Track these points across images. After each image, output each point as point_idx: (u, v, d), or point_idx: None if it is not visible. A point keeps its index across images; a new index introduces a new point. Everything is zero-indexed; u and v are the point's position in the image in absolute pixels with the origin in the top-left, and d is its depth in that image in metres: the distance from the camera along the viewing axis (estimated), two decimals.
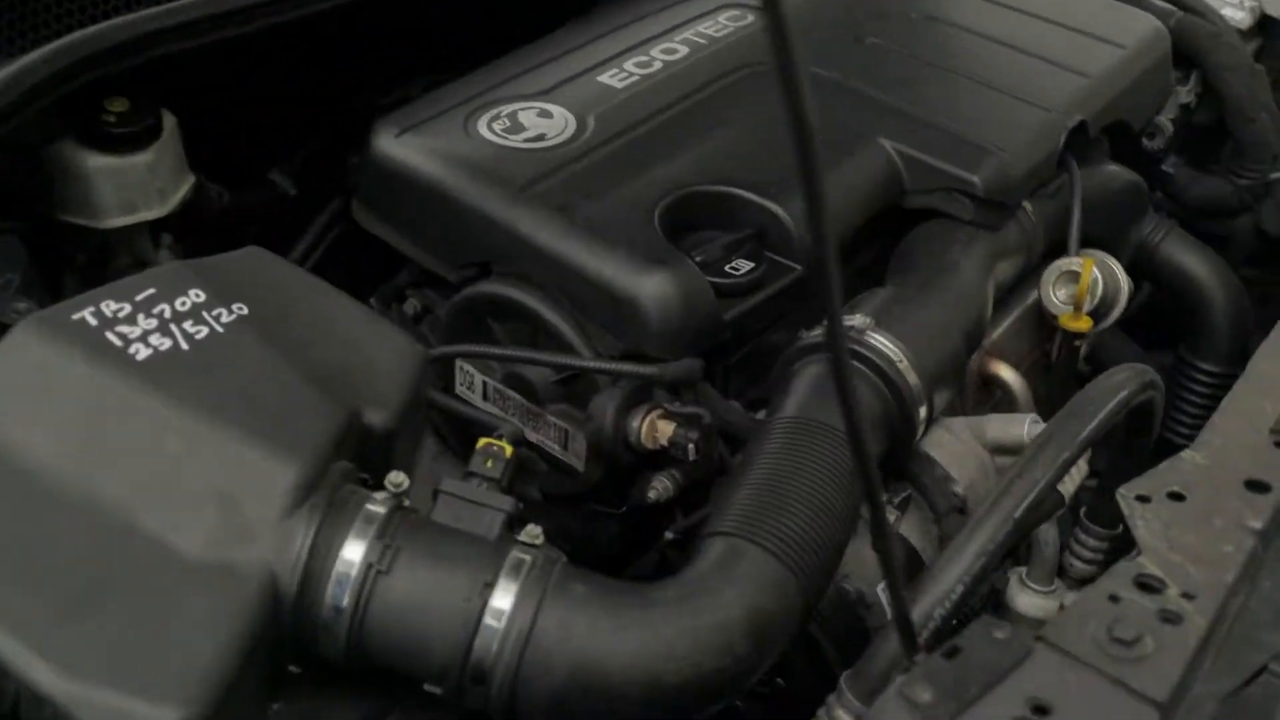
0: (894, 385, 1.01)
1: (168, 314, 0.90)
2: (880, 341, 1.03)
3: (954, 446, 1.10)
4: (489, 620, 0.80)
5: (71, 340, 0.85)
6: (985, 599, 1.15)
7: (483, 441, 0.91)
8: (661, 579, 0.87)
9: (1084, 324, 1.24)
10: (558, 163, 1.15)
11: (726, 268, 1.10)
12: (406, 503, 0.87)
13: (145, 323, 0.89)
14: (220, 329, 0.89)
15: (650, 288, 1.04)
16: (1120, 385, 1.01)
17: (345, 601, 0.79)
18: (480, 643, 0.79)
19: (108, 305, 0.89)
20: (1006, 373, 1.23)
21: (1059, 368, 1.27)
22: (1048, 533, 1.15)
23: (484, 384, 1.18)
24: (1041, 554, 1.15)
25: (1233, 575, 0.85)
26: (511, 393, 1.17)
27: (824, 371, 1.03)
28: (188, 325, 0.89)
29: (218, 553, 0.78)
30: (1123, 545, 1.22)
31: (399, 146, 1.19)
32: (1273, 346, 1.07)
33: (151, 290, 0.91)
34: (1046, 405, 1.31)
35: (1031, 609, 1.18)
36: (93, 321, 0.88)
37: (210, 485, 0.80)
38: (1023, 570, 1.17)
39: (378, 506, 0.83)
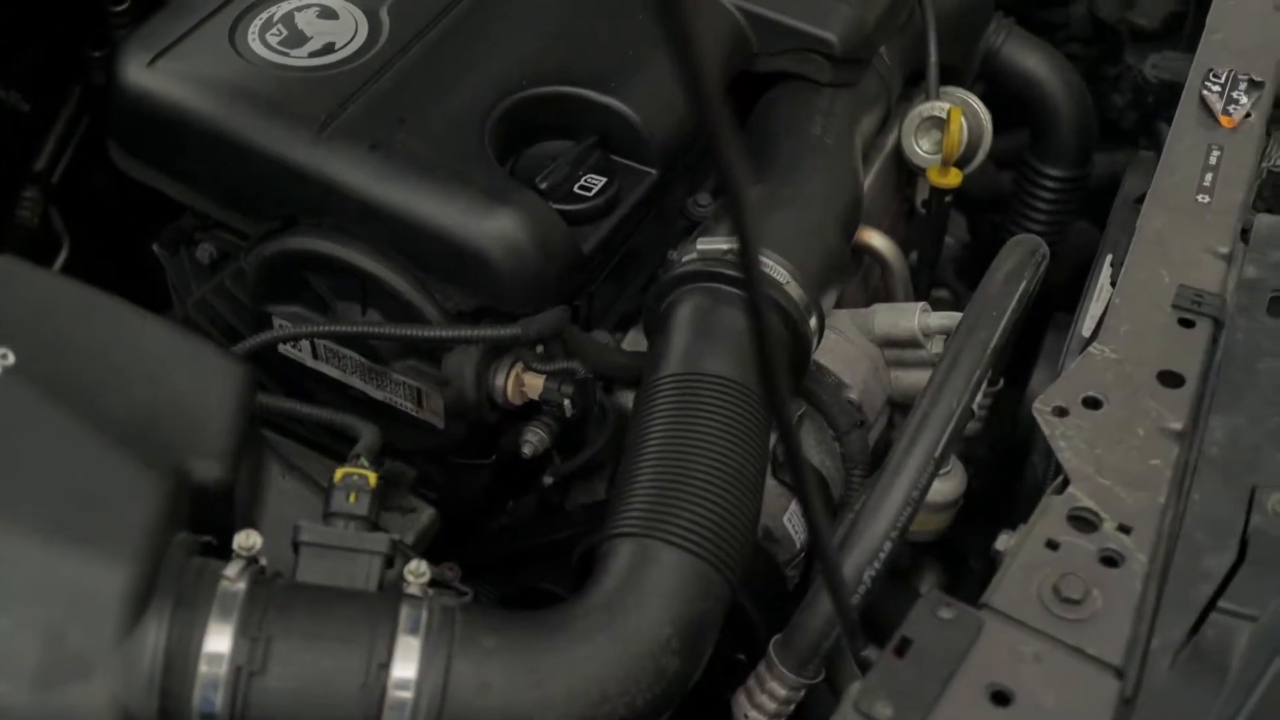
0: (783, 310, 0.92)
1: None
2: (764, 263, 0.92)
3: (843, 349, 1.02)
4: (396, 694, 0.69)
5: None
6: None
7: (340, 474, 0.78)
8: (571, 599, 0.77)
9: (954, 178, 1.16)
10: (357, 82, 0.96)
11: (575, 188, 0.96)
12: (263, 562, 0.74)
13: None
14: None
15: (497, 234, 0.89)
16: (1017, 275, 0.93)
17: (218, 712, 0.68)
18: None
19: None
20: (878, 240, 1.14)
21: (930, 223, 1.20)
22: None
23: (314, 343, 1.03)
24: None
25: (1164, 494, 0.82)
26: (348, 352, 1.03)
27: (703, 305, 0.92)
28: None
29: (47, 701, 0.64)
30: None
31: (154, 77, 0.97)
32: (1158, 197, 1.01)
33: None
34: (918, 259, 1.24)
35: (933, 493, 1.14)
36: None
37: (19, 618, 0.65)
38: None
39: (233, 583, 0.70)
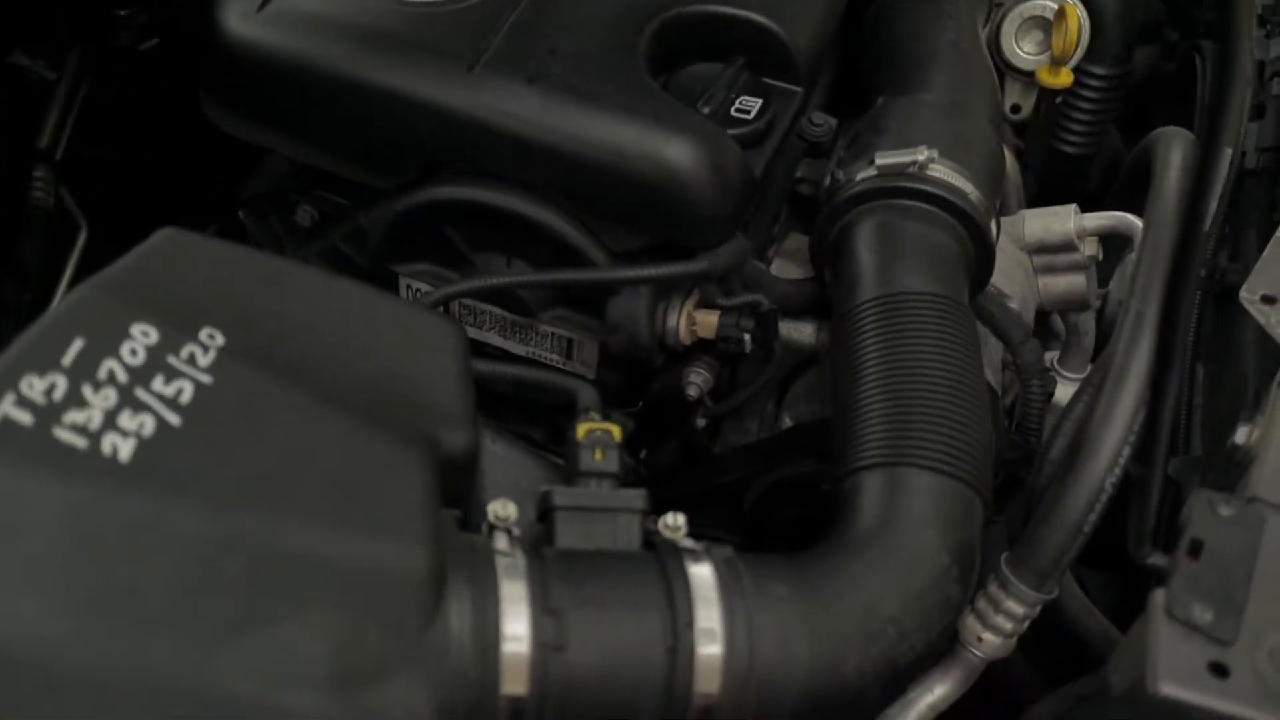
0: (970, 220, 0.88)
1: (121, 376, 0.64)
2: (946, 174, 0.88)
3: (999, 260, 0.99)
4: (706, 653, 0.65)
5: (13, 460, 0.59)
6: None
7: (583, 430, 0.72)
8: (831, 539, 0.74)
9: (1065, 78, 1.14)
10: (494, 15, 0.89)
11: (732, 111, 0.91)
12: (517, 533, 0.69)
13: (99, 399, 0.63)
14: (206, 379, 0.65)
15: (676, 163, 0.84)
16: (1186, 165, 0.91)
17: (526, 694, 0.63)
18: (700, 688, 0.65)
19: (30, 383, 0.62)
20: None
21: (1040, 129, 1.17)
22: (1087, 321, 1.09)
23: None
24: (1080, 341, 1.09)
25: None
26: (488, 307, 0.97)
27: (890, 222, 0.88)
28: (159, 386, 0.64)
29: (353, 709, 0.58)
30: None
31: (266, 25, 0.89)
32: None
33: (80, 342, 0.64)
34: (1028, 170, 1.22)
35: (1067, 397, 1.13)
36: (24, 418, 0.61)
37: (309, 621, 0.59)
38: (1053, 356, 1.12)
39: (509, 557, 0.65)
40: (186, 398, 0.64)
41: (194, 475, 0.61)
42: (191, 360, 0.65)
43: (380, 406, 0.67)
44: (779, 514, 0.96)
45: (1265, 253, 0.88)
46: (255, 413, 0.64)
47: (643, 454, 1.09)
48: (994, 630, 0.85)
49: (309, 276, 0.74)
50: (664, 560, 0.67)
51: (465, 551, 0.65)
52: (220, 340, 0.66)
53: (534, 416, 1.03)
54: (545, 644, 0.63)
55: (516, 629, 0.63)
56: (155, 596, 0.58)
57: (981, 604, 0.85)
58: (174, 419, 0.63)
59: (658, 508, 1.04)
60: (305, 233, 1.03)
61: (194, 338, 0.66)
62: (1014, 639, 0.85)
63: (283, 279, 0.73)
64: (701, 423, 1.00)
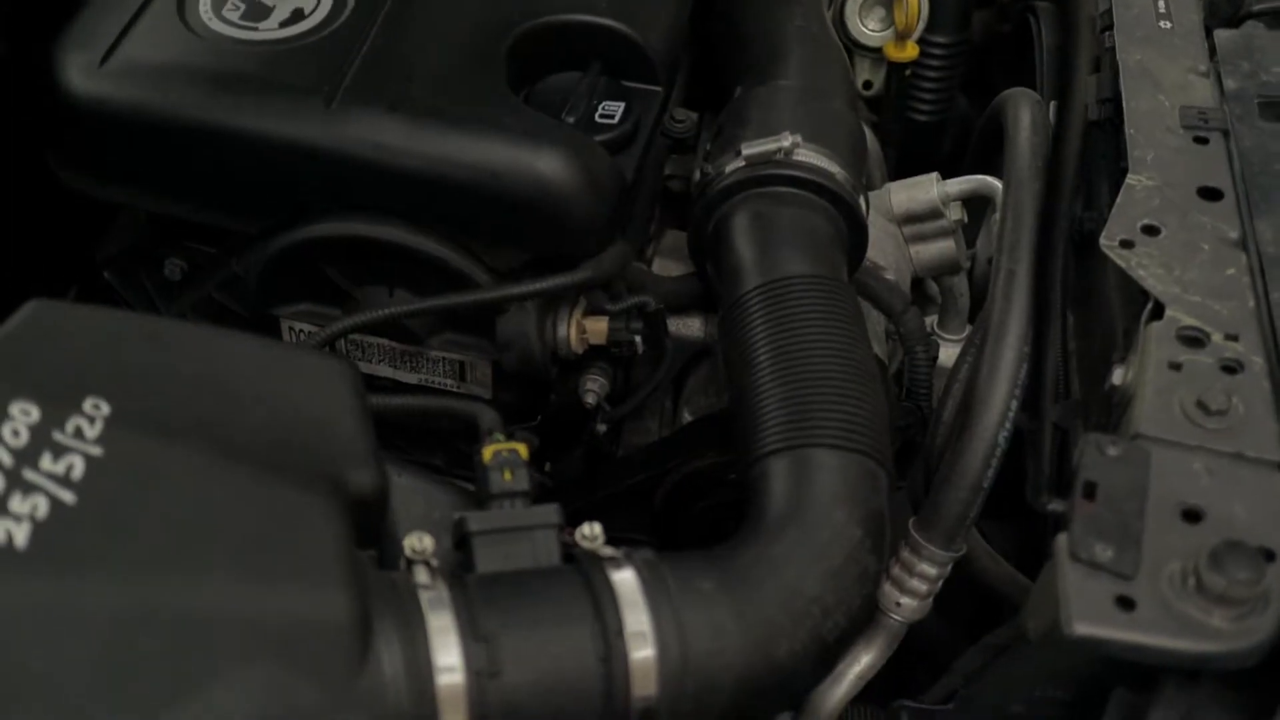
0: (841, 200, 0.90)
1: (6, 459, 0.62)
2: (812, 157, 0.90)
3: (871, 234, 1.02)
4: (638, 657, 0.65)
5: None
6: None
7: (489, 453, 0.72)
8: (744, 529, 0.75)
9: (911, 51, 1.17)
10: (346, 46, 0.88)
11: (596, 118, 0.91)
12: (435, 564, 0.68)
13: None
14: (96, 450, 0.63)
15: (549, 177, 0.84)
16: (1040, 124, 0.95)
17: None
18: (638, 692, 0.65)
19: None
20: None
21: (893, 101, 1.20)
22: (960, 283, 1.12)
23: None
24: (956, 303, 1.13)
25: (1250, 299, 0.86)
26: (374, 339, 0.95)
27: (764, 211, 0.89)
28: (48, 464, 0.62)
29: None
30: None
31: (110, 79, 0.86)
32: (1126, 31, 1.04)
33: None
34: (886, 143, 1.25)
35: (953, 359, 1.17)
36: None
37: (235, 682, 0.58)
38: (932, 320, 1.15)
39: (431, 590, 0.65)
40: (78, 473, 0.62)
41: (97, 551, 0.59)
42: (79, 434, 0.64)
43: (281, 455, 0.66)
44: (690, 508, 0.97)
45: (1118, 200, 0.92)
46: (152, 478, 0.62)
47: (548, 466, 1.10)
48: (910, 594, 0.87)
49: (190, 332, 0.73)
50: (586, 571, 0.68)
51: (387, 590, 0.64)
52: (106, 409, 0.65)
53: (434, 444, 1.03)
54: (480, 671, 0.63)
55: (449, 660, 0.62)
56: (74, 683, 0.56)
57: (896, 570, 0.88)
58: (68, 496, 0.61)
59: (571, 518, 1.05)
60: (177, 286, 1.00)
61: (78, 410, 0.64)
62: (930, 600, 0.88)
63: (163, 338, 0.71)
64: (602, 428, 1.01)
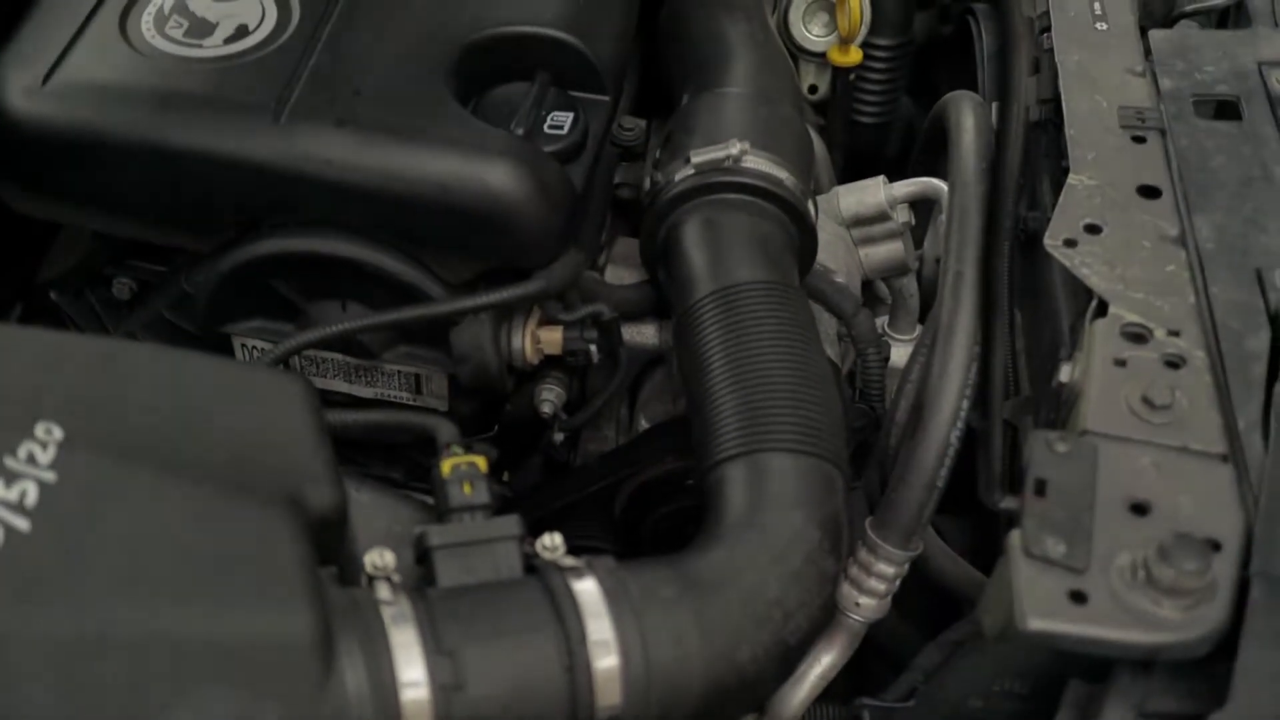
0: (790, 205, 0.91)
1: None
2: (761, 163, 0.91)
3: (820, 238, 1.03)
4: (602, 666, 0.65)
5: None
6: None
7: (448, 466, 0.72)
8: (703, 536, 0.75)
9: (855, 56, 1.18)
10: (291, 61, 0.88)
11: (545, 128, 0.91)
12: (397, 580, 0.68)
13: None
14: (49, 476, 0.62)
15: (499, 188, 0.84)
16: (983, 126, 0.96)
17: None
18: (603, 701, 0.66)
19: None
20: None
21: (838, 105, 1.22)
22: (909, 284, 1.13)
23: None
24: (905, 304, 1.14)
25: (1190, 295, 0.88)
26: (328, 355, 0.95)
27: (713, 219, 0.90)
28: (0, 491, 0.61)
29: None
30: None
31: (53, 99, 0.85)
32: (1063, 33, 1.06)
33: None
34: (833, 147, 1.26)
35: (905, 359, 1.18)
36: None
37: (198, 706, 0.58)
38: (882, 321, 1.16)
39: (393, 606, 0.65)
40: (31, 500, 0.61)
41: (54, 578, 0.59)
42: (31, 459, 0.63)
43: (238, 475, 0.66)
44: (650, 514, 0.98)
45: (1060, 200, 0.94)
46: (108, 502, 0.62)
47: (506, 476, 1.10)
48: (869, 593, 0.88)
49: (142, 352, 0.72)
50: (548, 581, 0.68)
51: (349, 608, 0.64)
52: (59, 434, 0.64)
53: (393, 457, 1.02)
54: (445, 685, 0.63)
55: (413, 675, 0.62)
56: (32, 712, 0.55)
57: (854, 570, 0.89)
58: (22, 524, 0.60)
59: (532, 528, 1.05)
60: (126, 306, 0.99)
61: (30, 435, 0.63)
62: (889, 599, 0.89)
63: (115, 359, 0.70)
64: (559, 437, 1.01)
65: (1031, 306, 1.09)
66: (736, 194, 0.90)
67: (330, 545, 0.68)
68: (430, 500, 0.81)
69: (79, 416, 0.65)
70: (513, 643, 0.65)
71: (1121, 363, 0.83)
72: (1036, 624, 0.69)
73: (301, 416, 0.71)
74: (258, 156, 0.84)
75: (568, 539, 1.04)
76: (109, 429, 0.66)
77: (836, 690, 0.94)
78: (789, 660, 0.72)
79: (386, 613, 0.64)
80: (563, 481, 1.03)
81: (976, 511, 0.99)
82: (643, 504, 0.98)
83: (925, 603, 1.13)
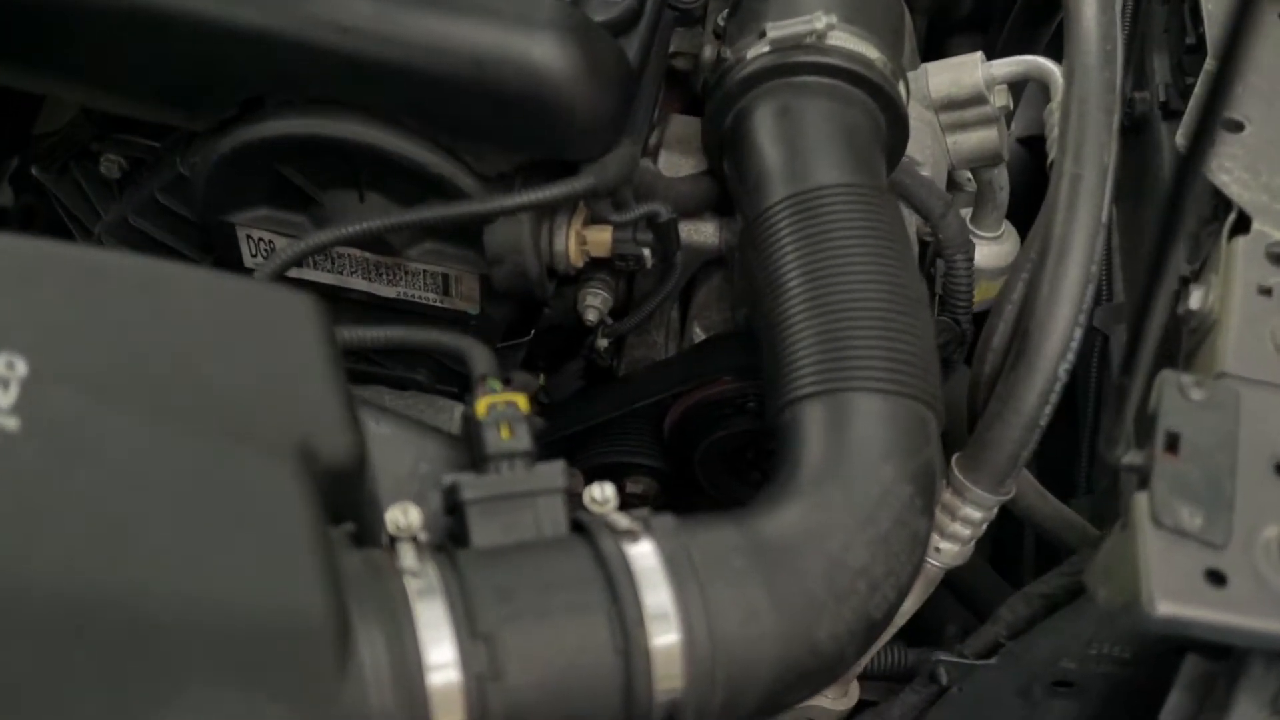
0: (881, 91, 0.78)
1: None
2: (848, 41, 0.78)
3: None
4: (661, 646, 0.56)
5: None
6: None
7: (484, 405, 0.62)
8: (776, 487, 0.65)
9: None
10: None
11: None
12: (423, 539, 0.59)
13: None
14: (12, 422, 0.52)
15: (546, 64, 0.71)
16: (1101, 6, 0.82)
17: None
18: (662, 685, 0.57)
19: None
20: None
21: None
22: (1000, 175, 1.01)
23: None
24: (994, 197, 1.01)
25: None
26: (347, 250, 0.84)
27: (789, 106, 0.77)
28: None
29: None
30: None
31: None
32: None
33: None
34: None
35: (988, 259, 1.06)
36: None
37: (203, 703, 0.49)
38: (965, 215, 1.04)
39: (418, 575, 0.56)
40: None
41: (20, 548, 0.49)
42: None
43: (237, 419, 0.55)
44: (704, 437, 0.88)
45: (1196, 89, 0.81)
46: (81, 455, 0.52)
47: (543, 379, 1.00)
48: (952, 539, 0.79)
49: (123, 265, 0.61)
50: (599, 546, 0.58)
51: (367, 578, 0.55)
52: (23, 369, 0.54)
53: (414, 358, 0.92)
54: (480, 675, 0.54)
55: (441, 657, 0.53)
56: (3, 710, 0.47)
57: (937, 513, 0.79)
58: None
59: (570, 443, 0.95)
60: (116, 185, 0.88)
61: None
62: (972, 545, 0.80)
63: (91, 273, 0.59)
64: (603, 343, 0.91)
65: (1132, 201, 0.97)
66: (819, 76, 0.77)
67: (345, 499, 0.58)
68: (461, 409, 0.71)
69: (47, 347, 0.54)
70: (558, 623, 0.56)
71: (1267, 291, 0.71)
72: (1167, 609, 0.59)
73: (312, 345, 0.59)
74: (264, 24, 0.71)
75: (611, 453, 0.95)
76: (83, 363, 0.55)
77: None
78: (872, 637, 0.62)
79: (412, 585, 0.55)
80: (607, 393, 0.93)
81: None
82: (696, 425, 0.88)
83: (1005, 542, 1.04)
